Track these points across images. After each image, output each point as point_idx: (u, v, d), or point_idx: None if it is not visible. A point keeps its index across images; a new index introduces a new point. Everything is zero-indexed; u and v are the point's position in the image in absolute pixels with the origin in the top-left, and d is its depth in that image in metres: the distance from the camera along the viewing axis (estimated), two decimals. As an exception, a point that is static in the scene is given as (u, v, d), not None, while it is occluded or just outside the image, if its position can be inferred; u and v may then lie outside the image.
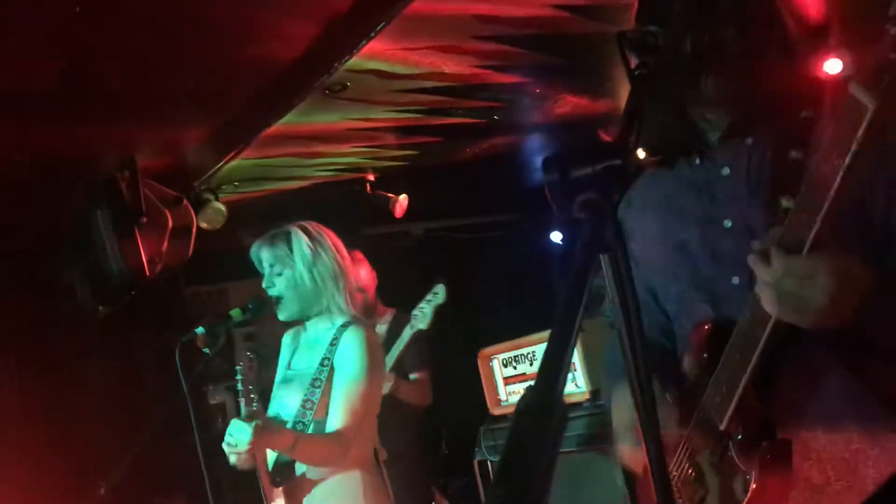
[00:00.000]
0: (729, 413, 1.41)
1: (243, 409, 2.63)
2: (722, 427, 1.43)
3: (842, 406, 1.39)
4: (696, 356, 1.53)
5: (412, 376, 4.28)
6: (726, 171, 1.55)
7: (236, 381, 2.71)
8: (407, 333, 4.11)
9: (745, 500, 1.39)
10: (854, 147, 1.17)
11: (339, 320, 2.84)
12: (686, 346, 1.61)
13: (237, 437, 2.54)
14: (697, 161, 1.60)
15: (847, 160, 1.18)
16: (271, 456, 2.77)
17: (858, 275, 1.27)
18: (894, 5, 1.11)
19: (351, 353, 2.75)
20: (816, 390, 1.41)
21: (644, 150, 1.52)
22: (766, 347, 1.35)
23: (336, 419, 2.70)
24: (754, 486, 1.38)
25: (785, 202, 1.40)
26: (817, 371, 1.41)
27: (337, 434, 2.68)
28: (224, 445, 2.61)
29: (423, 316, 4.12)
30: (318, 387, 2.76)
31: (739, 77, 1.49)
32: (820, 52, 4.23)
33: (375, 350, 2.82)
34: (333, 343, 2.79)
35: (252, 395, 2.67)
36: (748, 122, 1.53)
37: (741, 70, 1.48)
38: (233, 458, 2.64)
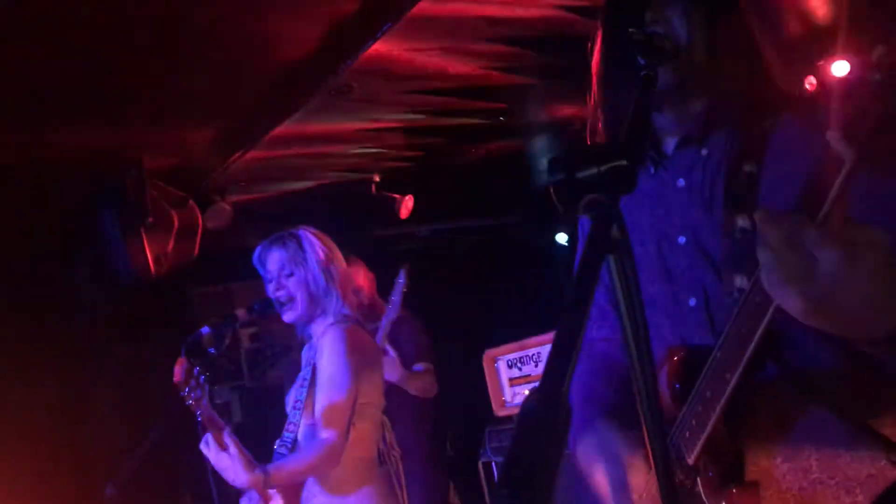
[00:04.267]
0: (698, 449, 1.33)
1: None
2: (690, 462, 1.35)
3: (804, 437, 1.31)
4: (667, 386, 1.41)
5: (415, 367, 4.27)
6: (681, 182, 1.47)
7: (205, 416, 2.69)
8: (384, 323, 4.14)
9: None
10: (832, 195, 1.05)
11: (330, 321, 2.84)
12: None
13: (237, 482, 2.57)
14: (652, 170, 1.51)
15: (826, 207, 1.05)
16: None
17: (883, 248, 1.03)
18: (877, 49, 1.00)
19: (329, 352, 2.73)
20: (782, 421, 1.33)
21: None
22: (737, 385, 1.24)
23: (323, 423, 2.67)
24: None
25: (741, 222, 1.32)
26: (784, 402, 1.33)
27: (326, 439, 2.65)
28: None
29: (394, 305, 4.15)
30: (304, 387, 2.77)
31: (700, 82, 1.42)
32: (824, 54, 4.23)
33: (359, 346, 2.78)
34: (318, 343, 2.80)
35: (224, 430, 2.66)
36: (704, 131, 1.44)
37: (702, 75, 1.41)
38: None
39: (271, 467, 2.61)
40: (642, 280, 1.45)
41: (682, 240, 1.46)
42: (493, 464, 4.65)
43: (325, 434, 2.64)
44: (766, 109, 1.39)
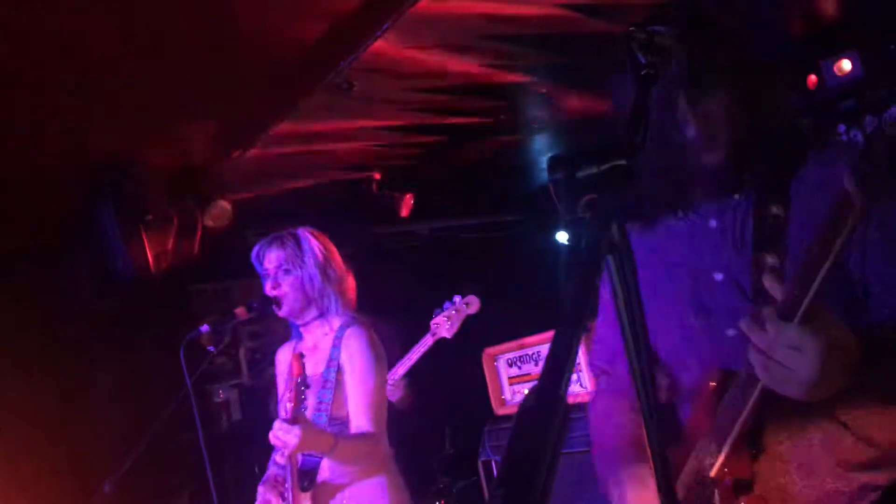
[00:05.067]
0: (718, 462, 1.47)
1: (289, 409, 2.60)
2: (711, 474, 1.48)
3: (821, 451, 1.45)
4: (701, 407, 1.55)
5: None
6: (713, 223, 1.58)
7: (293, 380, 2.67)
8: (428, 341, 4.07)
9: None
10: (842, 240, 1.22)
11: (338, 322, 2.85)
12: (686, 397, 1.64)
13: (285, 438, 2.52)
14: (680, 213, 1.62)
15: (836, 249, 1.23)
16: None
17: (848, 349, 1.27)
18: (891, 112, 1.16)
19: (358, 352, 2.77)
20: (800, 436, 1.46)
21: (629, 217, 1.54)
22: (756, 404, 1.40)
23: (362, 419, 2.73)
24: None
25: (770, 259, 1.46)
26: (802, 418, 1.46)
27: (369, 433, 2.72)
28: (272, 441, 2.61)
29: (449, 325, 4.05)
30: (329, 388, 2.78)
31: (730, 135, 1.49)
32: (831, 52, 4.22)
33: (379, 347, 2.85)
34: (336, 345, 2.80)
35: (303, 396, 2.66)
36: (734, 179, 1.54)
37: (732, 129, 1.49)
38: (281, 458, 2.69)
39: (341, 438, 2.64)
40: (682, 314, 1.60)
41: (718, 276, 1.56)
42: (493, 462, 4.64)
43: (371, 427, 2.72)
44: (792, 155, 1.51)
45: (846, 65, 4.24)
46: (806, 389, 1.27)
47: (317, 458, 2.76)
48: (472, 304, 4.07)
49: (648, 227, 1.67)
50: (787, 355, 1.25)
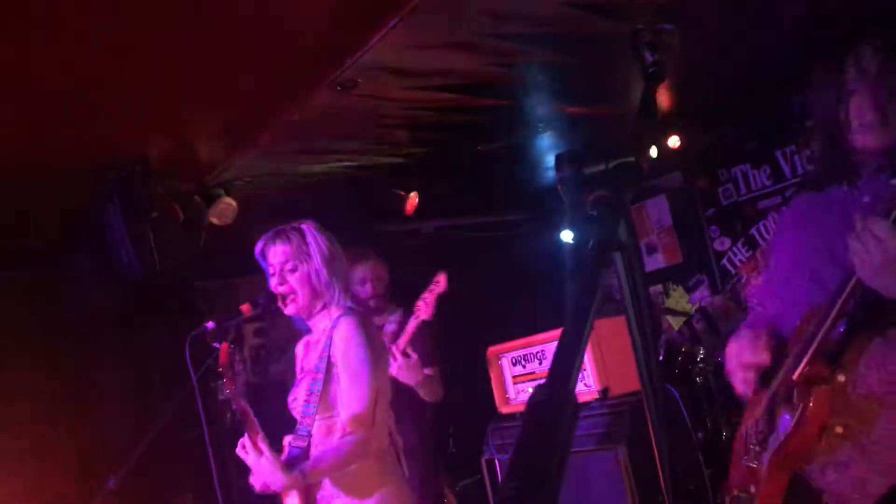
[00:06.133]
0: (800, 367, 1.78)
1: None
2: (794, 377, 1.80)
3: (878, 369, 1.75)
4: (800, 329, 1.89)
5: (424, 372, 4.26)
6: (867, 199, 1.90)
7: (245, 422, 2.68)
8: (411, 325, 4.10)
9: (794, 422, 1.79)
10: None
11: (336, 314, 2.83)
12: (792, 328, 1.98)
13: (268, 483, 2.58)
14: (846, 188, 1.97)
15: None
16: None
17: None
18: None
19: (347, 344, 2.73)
20: (867, 357, 1.77)
21: (809, 182, 2.09)
22: (839, 314, 1.74)
23: (350, 414, 2.67)
24: (800, 413, 1.78)
25: None
26: (871, 342, 1.77)
27: (356, 431, 2.65)
28: (254, 485, 2.63)
29: (425, 306, 4.12)
30: (319, 381, 2.75)
31: (880, 133, 1.86)
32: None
33: (371, 335, 2.79)
34: (330, 337, 2.79)
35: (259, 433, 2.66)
36: (895, 166, 1.87)
37: (886, 127, 1.85)
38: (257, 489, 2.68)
39: (307, 466, 2.60)
40: (814, 261, 1.96)
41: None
42: (496, 461, 4.64)
43: (356, 430, 2.65)
44: None
45: None
46: (873, 275, 1.61)
47: (300, 449, 2.74)
48: (440, 282, 4.15)
49: (817, 192, 2.06)
50: (871, 242, 1.59)
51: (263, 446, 2.58)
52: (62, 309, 4.90)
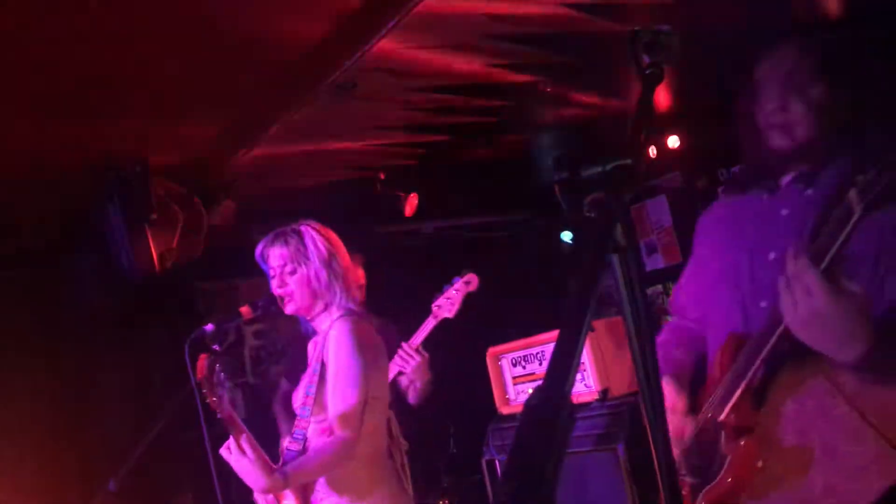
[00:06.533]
0: (727, 408, 1.72)
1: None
2: (720, 418, 1.74)
3: (813, 415, 1.69)
4: (720, 359, 1.81)
5: None
6: (785, 212, 1.82)
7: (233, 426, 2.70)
8: (430, 322, 4.04)
9: (720, 475, 1.75)
10: (833, 249, 1.48)
11: (336, 315, 2.83)
12: (711, 352, 1.89)
13: (255, 487, 2.61)
14: (766, 196, 1.88)
15: (829, 257, 1.49)
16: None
17: (849, 317, 1.48)
18: None
19: (338, 344, 2.72)
20: (801, 406, 1.70)
21: (727, 182, 1.97)
22: (767, 356, 1.66)
23: (335, 417, 2.66)
24: (727, 465, 1.74)
25: None
26: (802, 383, 1.70)
27: (340, 434, 2.64)
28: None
29: (449, 304, 4.03)
30: (314, 383, 2.75)
31: (791, 137, 1.77)
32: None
33: (366, 337, 2.77)
34: (325, 339, 2.78)
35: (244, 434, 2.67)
36: (811, 175, 1.80)
37: (796, 130, 1.77)
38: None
39: (289, 469, 2.60)
40: (733, 278, 1.87)
41: (772, 255, 1.80)
42: (496, 461, 4.64)
43: (340, 431, 2.64)
44: (870, 164, 1.72)
45: None
46: (799, 326, 1.52)
47: (295, 452, 2.75)
48: (472, 282, 4.05)
49: (737, 198, 1.98)
50: (799, 294, 1.48)
51: (247, 447, 2.57)
52: (62, 309, 4.89)
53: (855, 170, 1.67)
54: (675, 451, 1.86)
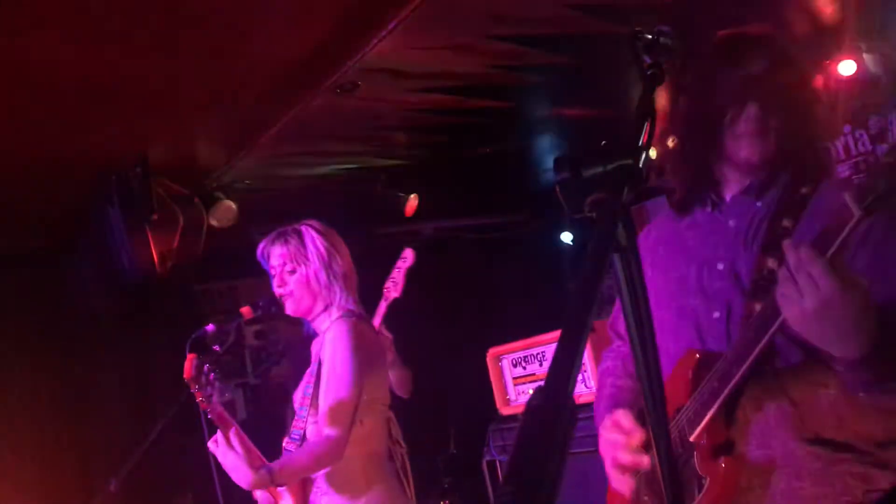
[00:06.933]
0: (700, 428, 1.64)
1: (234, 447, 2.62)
2: (692, 439, 1.66)
3: (777, 432, 1.64)
4: (681, 376, 1.73)
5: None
6: (732, 223, 1.79)
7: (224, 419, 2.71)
8: (382, 306, 4.07)
9: (699, 497, 1.66)
10: (837, 242, 1.42)
11: (336, 316, 2.83)
12: (666, 367, 1.78)
13: (238, 480, 2.58)
14: (709, 209, 1.84)
15: (832, 250, 1.42)
16: None
17: (855, 307, 1.42)
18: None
19: (334, 345, 2.71)
20: (760, 409, 1.65)
21: (672, 203, 1.91)
22: (739, 380, 1.59)
23: (325, 417, 2.66)
24: (708, 487, 1.65)
25: (770, 263, 1.65)
26: (764, 393, 1.65)
27: (328, 434, 2.63)
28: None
29: (394, 284, 4.08)
30: (311, 383, 2.76)
31: (763, 147, 1.71)
32: (834, 54, 4.24)
33: (364, 341, 2.76)
34: (324, 340, 2.78)
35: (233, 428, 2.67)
36: (761, 188, 1.76)
37: (767, 140, 1.71)
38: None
39: (276, 465, 2.59)
40: (681, 293, 1.82)
41: (720, 266, 1.76)
42: (497, 462, 4.64)
43: (328, 430, 2.63)
44: (811, 178, 1.73)
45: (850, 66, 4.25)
46: (803, 319, 1.43)
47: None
48: (408, 258, 4.10)
49: (679, 214, 1.92)
50: (805, 282, 1.40)
51: (235, 441, 2.56)
52: (62, 309, 4.90)
53: (796, 184, 1.71)
54: (632, 483, 1.76)
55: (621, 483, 1.77)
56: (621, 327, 2.10)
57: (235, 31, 3.07)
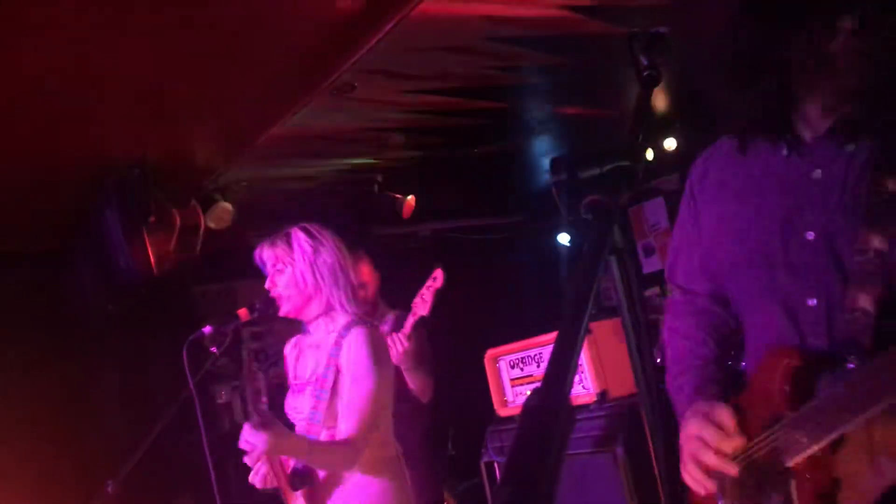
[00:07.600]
0: (801, 457, 1.35)
1: (253, 414, 2.60)
2: (790, 464, 1.37)
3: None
4: (776, 383, 1.40)
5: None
6: (818, 174, 1.41)
7: (243, 382, 2.70)
8: (409, 321, 4.11)
9: None
10: None
11: (342, 321, 2.83)
12: (755, 363, 1.52)
13: (252, 442, 2.52)
14: (785, 152, 1.46)
15: None
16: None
17: None
18: None
19: (356, 355, 2.73)
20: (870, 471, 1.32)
21: (727, 126, 1.52)
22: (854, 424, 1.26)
23: (346, 423, 2.68)
24: None
25: (877, 242, 1.28)
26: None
27: (348, 439, 2.66)
28: (241, 447, 2.60)
29: (423, 302, 4.12)
30: (326, 390, 2.75)
31: (863, 74, 1.32)
32: None
33: (381, 349, 2.81)
34: (338, 345, 2.78)
35: (262, 398, 2.65)
36: (854, 130, 1.37)
37: (868, 62, 1.31)
38: (249, 461, 2.65)
39: (315, 442, 2.64)
40: (764, 262, 1.45)
41: (810, 235, 1.41)
42: (495, 464, 4.64)
43: (350, 435, 2.66)
44: None
45: None
46: None
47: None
48: (438, 278, 4.15)
49: (744, 155, 1.53)
50: None
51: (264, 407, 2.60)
52: (60, 310, 4.89)
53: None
54: (710, 486, 1.51)
55: (697, 483, 1.53)
56: (680, 278, 1.77)
57: (232, 33, 3.07)
